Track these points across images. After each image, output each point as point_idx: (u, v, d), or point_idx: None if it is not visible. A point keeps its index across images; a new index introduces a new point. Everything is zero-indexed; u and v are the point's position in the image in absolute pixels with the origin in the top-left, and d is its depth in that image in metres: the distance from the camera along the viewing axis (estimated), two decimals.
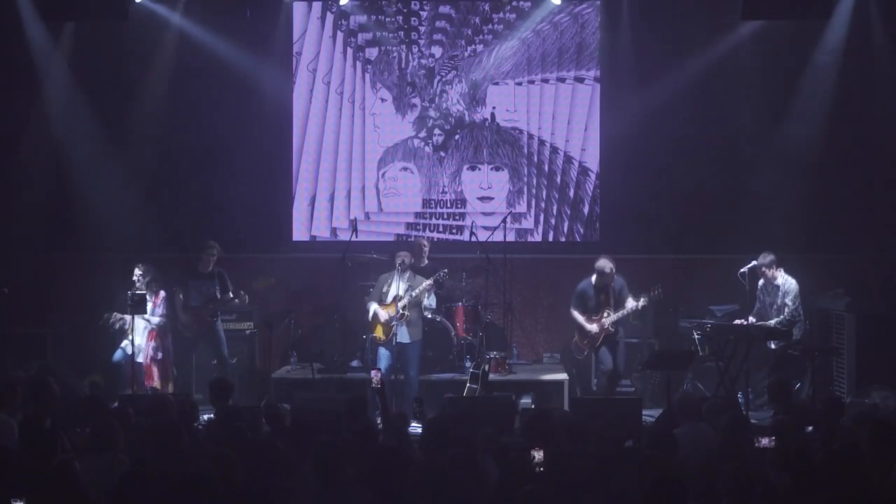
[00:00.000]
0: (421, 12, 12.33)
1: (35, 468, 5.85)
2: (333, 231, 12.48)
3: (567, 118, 12.31)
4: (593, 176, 12.37)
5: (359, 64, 12.43)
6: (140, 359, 10.52)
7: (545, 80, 12.30)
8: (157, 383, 10.59)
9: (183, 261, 11.24)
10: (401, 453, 5.49)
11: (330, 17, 12.40)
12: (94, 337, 11.03)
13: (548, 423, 6.83)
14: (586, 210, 12.40)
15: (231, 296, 10.82)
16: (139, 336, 10.51)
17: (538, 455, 5.63)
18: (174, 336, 10.89)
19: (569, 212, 12.41)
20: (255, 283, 11.19)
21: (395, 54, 12.41)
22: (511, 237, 12.12)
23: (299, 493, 5.79)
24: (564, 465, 5.77)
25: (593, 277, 10.47)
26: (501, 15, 12.30)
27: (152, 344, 10.64)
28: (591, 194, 12.36)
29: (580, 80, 12.29)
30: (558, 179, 12.37)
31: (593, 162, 12.35)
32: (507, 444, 6.76)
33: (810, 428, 7.67)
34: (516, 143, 12.40)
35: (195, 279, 10.89)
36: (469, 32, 12.33)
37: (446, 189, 12.43)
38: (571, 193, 12.39)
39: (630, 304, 10.35)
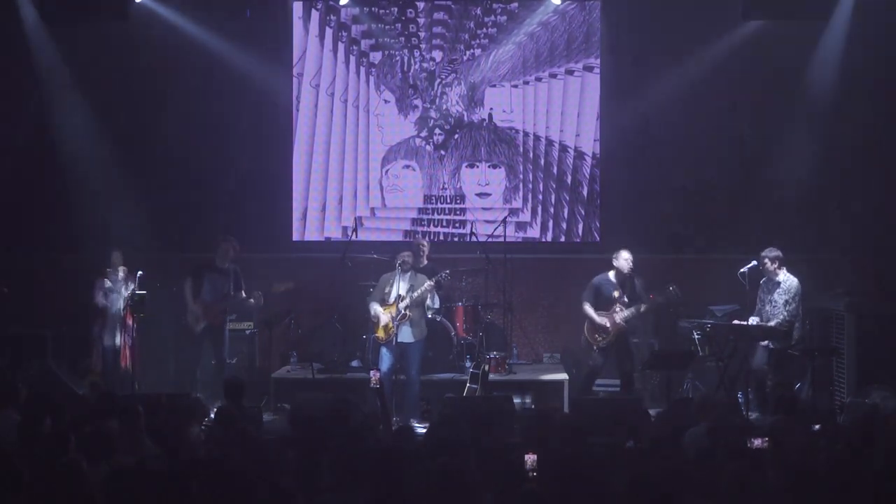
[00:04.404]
0: (418, 19, 12.55)
1: (35, 469, 5.83)
2: (344, 230, 12.51)
3: (560, 111, 12.51)
4: (588, 159, 12.52)
5: (362, 69, 12.64)
6: (118, 341, 10.41)
7: (538, 79, 12.54)
8: (129, 364, 10.26)
9: (181, 260, 11.22)
10: (400, 454, 5.48)
11: (329, 32, 12.56)
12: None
13: (547, 424, 6.82)
14: (585, 192, 12.52)
15: (245, 296, 10.63)
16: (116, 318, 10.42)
17: (531, 460, 5.60)
18: (180, 330, 10.82)
19: (567, 197, 12.56)
20: (274, 286, 11.08)
21: (397, 58, 12.61)
22: (511, 231, 12.17)
23: (298, 494, 5.78)
24: (563, 466, 5.75)
25: (611, 273, 10.38)
26: (493, 18, 12.47)
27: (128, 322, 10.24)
28: (587, 175, 12.51)
29: (570, 72, 12.50)
30: (554, 169, 12.57)
31: (587, 146, 12.49)
32: (506, 445, 6.74)
33: (817, 427, 7.65)
34: (512, 141, 12.62)
35: (211, 272, 10.66)
36: (466, 37, 12.55)
37: (446, 185, 12.67)
38: (568, 179, 12.55)
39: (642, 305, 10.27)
